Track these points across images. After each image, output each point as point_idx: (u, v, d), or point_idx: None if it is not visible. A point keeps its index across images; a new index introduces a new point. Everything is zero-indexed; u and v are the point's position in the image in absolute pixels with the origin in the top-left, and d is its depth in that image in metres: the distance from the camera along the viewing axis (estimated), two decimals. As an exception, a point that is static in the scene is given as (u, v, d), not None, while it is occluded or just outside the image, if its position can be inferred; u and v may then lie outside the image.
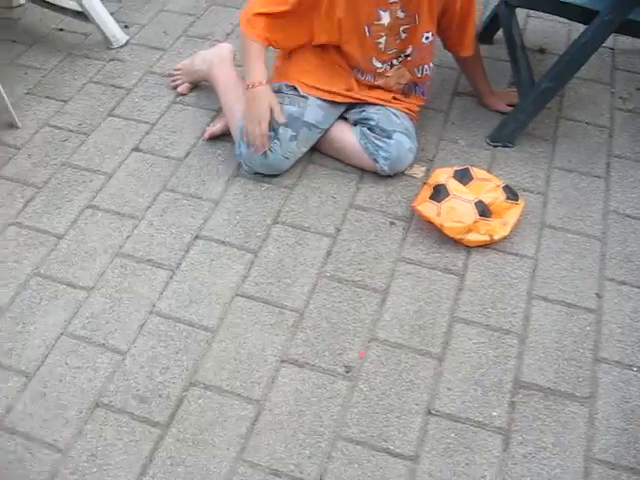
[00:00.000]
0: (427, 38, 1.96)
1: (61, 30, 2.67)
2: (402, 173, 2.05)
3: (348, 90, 2.02)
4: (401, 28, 1.92)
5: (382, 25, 1.90)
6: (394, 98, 2.05)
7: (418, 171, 2.06)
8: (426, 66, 2.04)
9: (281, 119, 1.93)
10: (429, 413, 1.55)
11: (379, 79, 2.02)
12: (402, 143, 1.96)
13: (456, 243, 1.86)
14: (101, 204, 2.00)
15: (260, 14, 1.89)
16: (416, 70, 2.03)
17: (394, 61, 1.99)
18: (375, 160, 1.97)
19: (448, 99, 2.32)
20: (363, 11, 1.87)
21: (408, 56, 1.99)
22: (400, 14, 1.88)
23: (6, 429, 1.52)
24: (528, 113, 2.09)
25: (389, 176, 2.03)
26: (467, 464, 1.47)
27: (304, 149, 2.02)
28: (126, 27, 2.64)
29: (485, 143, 2.16)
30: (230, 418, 1.54)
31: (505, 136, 2.15)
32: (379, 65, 1.98)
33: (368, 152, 1.98)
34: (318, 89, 1.99)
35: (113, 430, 1.52)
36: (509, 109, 2.19)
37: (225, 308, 1.74)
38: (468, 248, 1.86)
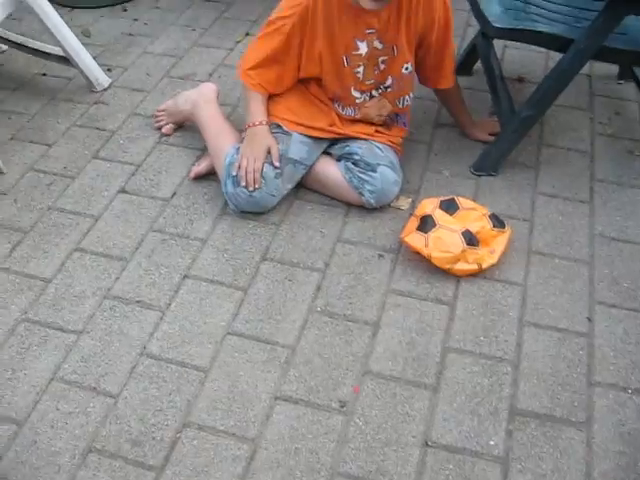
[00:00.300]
0: (407, 69, 1.99)
1: (44, 75, 2.68)
2: (388, 205, 2.06)
3: (331, 125, 2.04)
4: (380, 59, 1.95)
5: (360, 55, 1.93)
6: (377, 131, 2.07)
7: (404, 203, 2.07)
8: (407, 97, 2.06)
9: (276, 163, 1.95)
10: (426, 445, 1.54)
11: (359, 112, 2.04)
12: (387, 176, 1.97)
13: (445, 273, 1.87)
14: (89, 247, 1.99)
15: (253, 67, 1.97)
16: (397, 101, 2.05)
17: (373, 92, 2.01)
18: (361, 194, 1.99)
19: (430, 130, 2.34)
20: (341, 42, 1.90)
21: (388, 87, 2.01)
22: (378, 44, 1.91)
23: (-3, 479, 1.50)
24: (510, 142, 2.12)
25: (375, 209, 2.04)
26: (467, 495, 1.46)
27: (289, 186, 2.03)
28: (109, 70, 2.67)
29: (469, 173, 2.18)
30: (225, 458, 1.52)
31: (488, 165, 2.17)
32: (358, 95, 2.00)
33: (353, 186, 1.99)
34: (301, 125, 2.01)
35: (107, 476, 1.49)
36: (491, 138, 2.22)
37: (216, 347, 1.73)
38: (457, 278, 1.87)
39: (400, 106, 2.07)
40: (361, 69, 1.95)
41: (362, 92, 2.00)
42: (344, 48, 1.91)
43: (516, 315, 1.79)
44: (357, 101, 2.02)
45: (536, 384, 1.64)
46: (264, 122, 2.00)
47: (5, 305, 1.84)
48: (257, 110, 2.01)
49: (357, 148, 2.00)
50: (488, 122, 2.29)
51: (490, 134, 2.23)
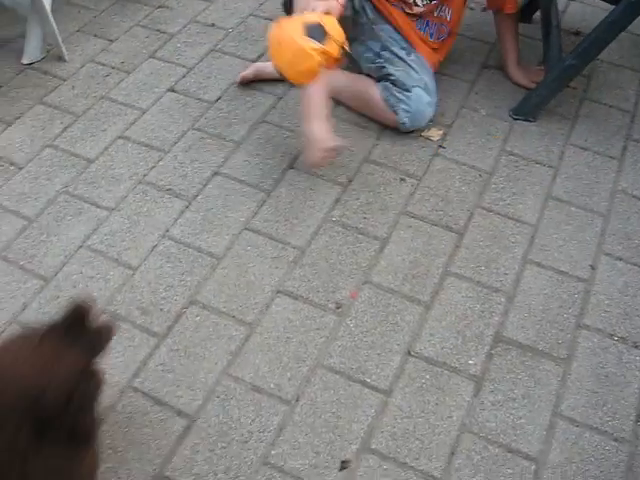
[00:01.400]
0: None
1: (117, -25, 2.80)
2: (419, 135, 2.12)
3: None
4: None
5: None
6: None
7: (435, 134, 2.13)
8: (446, 8, 2.14)
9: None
10: (408, 354, 1.63)
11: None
12: (420, 97, 2.04)
13: (461, 203, 1.94)
14: (132, 136, 2.12)
15: None
16: (437, 10, 2.14)
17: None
18: (395, 112, 2.05)
19: (475, 70, 2.37)
20: None
21: None
22: None
23: (20, 324, 1.66)
24: (551, 89, 2.14)
25: (408, 133, 2.10)
26: (437, 404, 1.55)
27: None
28: (178, -23, 2.76)
29: (506, 115, 2.21)
30: (222, 336, 1.65)
31: (527, 110, 2.19)
32: None
33: (389, 104, 2.06)
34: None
35: (115, 335, 1.64)
36: (531, 85, 2.24)
37: (232, 239, 1.85)
38: (472, 210, 1.93)
39: (436, 13, 2.14)
40: None
41: None
42: None
43: (521, 252, 1.84)
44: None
45: (526, 317, 1.71)
46: None
47: (49, 177, 2.00)
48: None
49: (394, 70, 2.06)
50: (533, 69, 2.30)
51: (533, 82, 2.25)
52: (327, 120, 1.91)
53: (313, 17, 1.70)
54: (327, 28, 1.67)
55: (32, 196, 1.95)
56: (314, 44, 1.66)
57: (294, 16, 1.76)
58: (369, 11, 2.11)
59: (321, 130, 1.89)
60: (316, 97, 1.92)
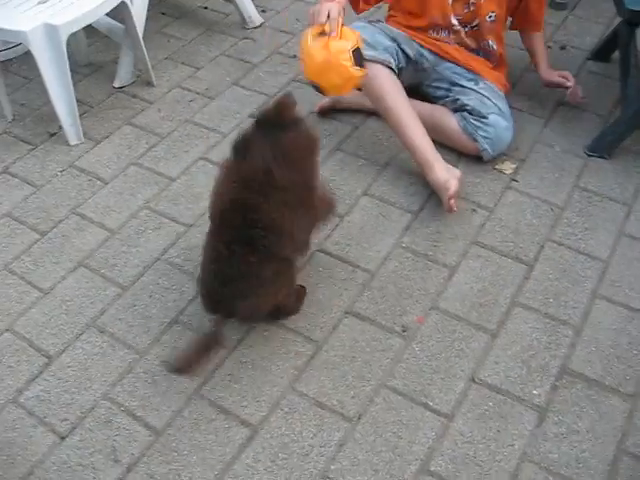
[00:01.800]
0: (490, 17, 2.12)
1: (205, 8, 2.94)
2: (492, 167, 2.14)
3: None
4: (471, 1, 2.09)
5: None
6: (488, 67, 2.22)
7: (508, 167, 2.14)
8: (489, 42, 2.19)
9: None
10: (472, 380, 1.64)
11: (454, 36, 2.18)
12: (498, 122, 2.07)
13: (532, 237, 1.94)
14: (213, 158, 2.22)
15: None
16: (481, 42, 2.20)
17: (465, 27, 2.16)
18: (475, 140, 2.09)
19: (551, 107, 2.38)
20: None
21: (475, 27, 2.15)
22: None
23: (97, 327, 1.75)
24: (627, 126, 2.14)
25: (481, 165, 2.14)
26: (499, 431, 1.55)
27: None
28: (263, 11, 2.88)
29: (580, 151, 2.21)
30: (290, 352, 1.69)
31: (603, 147, 2.19)
32: (455, 23, 2.14)
33: (468, 132, 2.10)
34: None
35: (185, 344, 1.71)
36: (562, 81, 2.27)
37: (305, 260, 1.90)
38: (542, 243, 1.93)
39: (484, 47, 2.20)
40: (451, 0, 2.11)
41: (459, 21, 2.14)
42: None
43: (590, 287, 1.83)
44: (454, 28, 2.15)
45: (593, 351, 1.70)
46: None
47: (133, 193, 2.10)
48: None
49: (467, 100, 2.10)
50: (563, 72, 2.31)
51: (561, 85, 2.29)
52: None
53: (350, 36, 1.80)
54: (362, 50, 1.81)
55: (116, 209, 2.05)
56: (360, 71, 1.78)
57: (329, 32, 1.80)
58: (428, 56, 2.19)
59: (442, 176, 1.98)
60: (423, 141, 2.03)
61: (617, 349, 1.70)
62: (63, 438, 1.55)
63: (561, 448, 1.52)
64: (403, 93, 2.08)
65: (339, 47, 1.78)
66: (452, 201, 1.94)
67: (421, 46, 2.19)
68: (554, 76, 2.31)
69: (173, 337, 1.73)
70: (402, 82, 2.10)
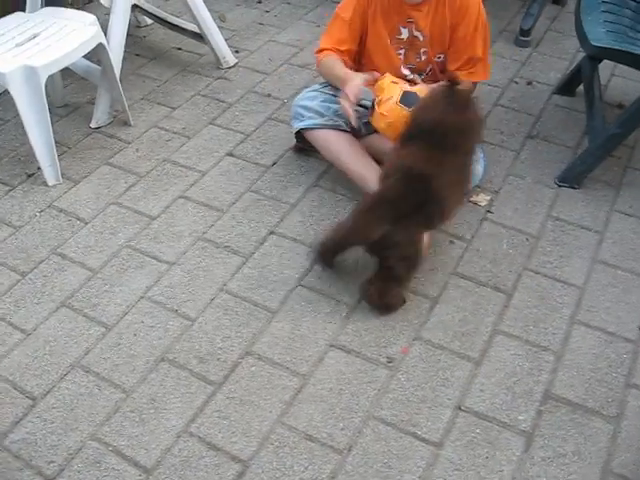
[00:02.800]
0: (439, 58, 2.19)
1: (179, 49, 2.99)
2: (468, 200, 2.19)
3: None
4: (421, 50, 2.16)
5: (402, 39, 2.15)
6: None
7: (483, 199, 2.20)
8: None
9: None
10: (459, 408, 1.66)
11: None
12: None
13: (509, 265, 1.99)
14: (192, 196, 2.23)
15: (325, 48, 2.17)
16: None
17: (417, 76, 2.21)
18: None
19: (521, 140, 2.46)
20: (389, 25, 2.13)
21: (429, 73, 2.22)
22: (418, 35, 2.13)
23: (82, 367, 1.74)
24: (595, 157, 2.21)
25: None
26: (487, 458, 1.57)
27: None
28: (236, 52, 2.94)
29: (551, 182, 2.28)
30: (277, 386, 1.70)
31: (572, 178, 2.26)
32: (407, 73, 2.20)
33: None
34: None
35: (173, 381, 1.71)
36: None
37: (287, 294, 1.91)
38: (519, 272, 1.98)
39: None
40: (402, 52, 2.17)
41: (410, 72, 2.20)
42: (390, 31, 2.14)
43: (569, 313, 1.88)
44: (407, 78, 2.20)
45: (575, 376, 1.73)
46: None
47: (113, 232, 2.11)
48: (345, 68, 2.10)
49: None
50: None
51: None
52: None
53: (391, 88, 1.97)
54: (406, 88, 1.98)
55: (97, 249, 2.05)
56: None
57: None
58: None
59: None
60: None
61: (597, 373, 1.74)
62: (51, 481, 1.53)
63: (549, 472, 1.54)
64: (357, 149, 2.16)
65: (389, 107, 1.94)
66: None
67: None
68: None
69: (160, 375, 1.72)
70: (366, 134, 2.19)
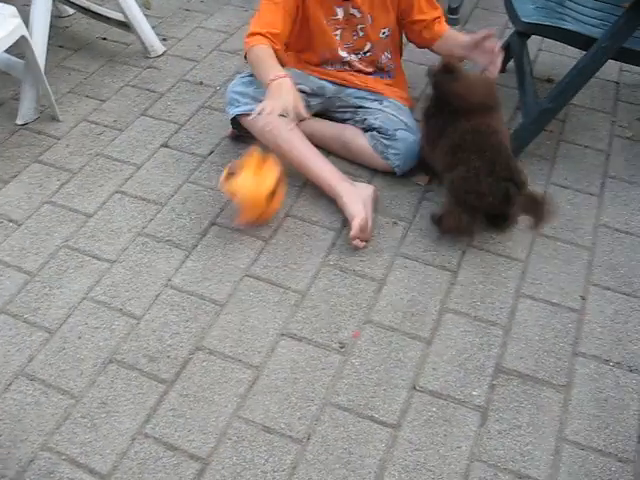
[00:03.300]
0: (384, 33, 2.20)
1: (104, 39, 2.89)
2: (408, 179, 2.20)
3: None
4: (358, 27, 2.15)
5: (337, 19, 2.14)
6: (386, 85, 2.28)
7: (422, 180, 2.21)
8: (382, 56, 2.26)
9: (305, 115, 1.97)
10: (414, 388, 1.67)
11: (349, 67, 2.25)
12: (406, 138, 2.13)
13: (452, 244, 2.01)
14: (129, 190, 2.17)
15: (256, 28, 2.08)
16: (377, 62, 2.27)
17: (354, 55, 2.22)
18: (386, 158, 2.14)
19: (457, 117, 2.48)
20: (324, 6, 2.12)
21: (367, 52, 2.22)
22: (355, 12, 2.12)
23: (27, 375, 1.68)
24: (529, 131, 2.24)
25: (397, 179, 2.19)
26: (445, 435, 1.59)
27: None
28: (164, 40, 2.86)
29: (488, 158, 2.30)
30: (230, 380, 1.68)
31: (508, 153, 2.29)
32: (345, 55, 2.21)
33: (378, 152, 2.15)
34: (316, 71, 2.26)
35: (123, 383, 1.66)
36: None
37: (234, 286, 1.89)
38: (463, 249, 2.00)
39: (380, 66, 2.28)
40: (339, 32, 2.16)
41: (348, 53, 2.20)
42: (325, 12, 2.13)
43: (513, 287, 1.91)
44: (344, 59, 2.21)
45: (523, 348, 1.77)
46: (285, 74, 1.95)
47: (49, 232, 2.03)
48: (271, 64, 1.99)
49: (374, 120, 2.17)
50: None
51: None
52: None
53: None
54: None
55: (33, 251, 1.98)
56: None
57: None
58: (328, 86, 2.25)
59: (350, 213, 2.01)
60: (327, 176, 2.11)
61: (545, 343, 1.78)
62: (2, 496, 1.47)
63: (505, 444, 1.57)
64: (297, 133, 2.11)
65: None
66: (354, 242, 1.98)
67: (319, 79, 2.23)
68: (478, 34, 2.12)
69: (109, 377, 1.67)
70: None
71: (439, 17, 2.21)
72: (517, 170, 1.91)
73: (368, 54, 2.22)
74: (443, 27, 2.23)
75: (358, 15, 2.13)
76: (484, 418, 1.62)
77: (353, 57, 2.20)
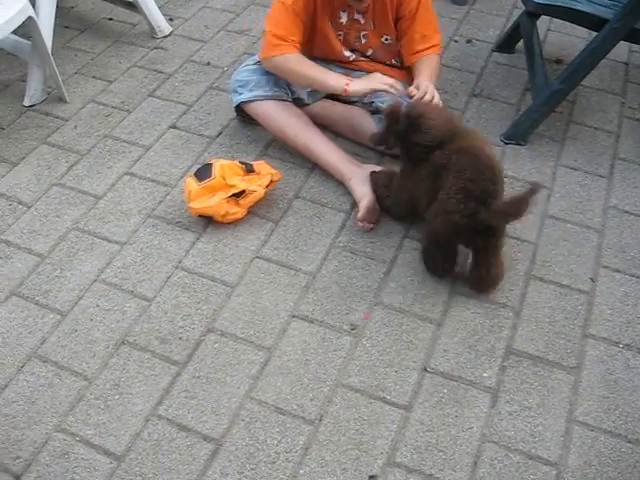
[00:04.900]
0: (386, 40, 2.17)
1: (110, 19, 2.88)
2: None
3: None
4: (361, 33, 2.15)
5: (341, 23, 2.13)
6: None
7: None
8: (393, 61, 2.25)
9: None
10: (425, 370, 1.68)
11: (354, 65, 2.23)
12: None
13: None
14: (138, 172, 2.17)
15: (280, 37, 2.04)
16: (384, 63, 2.25)
17: (356, 55, 2.21)
18: None
19: (465, 99, 2.47)
20: (330, 9, 2.10)
21: (369, 56, 2.21)
22: (360, 18, 2.11)
23: (39, 357, 1.69)
24: (540, 113, 2.24)
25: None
26: (456, 416, 1.60)
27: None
28: (171, 20, 2.85)
29: (497, 139, 2.30)
30: (242, 361, 1.68)
31: (518, 135, 2.29)
32: (348, 54, 2.20)
33: None
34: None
35: (136, 365, 1.67)
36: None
37: (245, 267, 1.89)
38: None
39: (390, 64, 2.25)
40: (342, 35, 2.16)
41: (354, 51, 2.20)
42: (330, 15, 2.11)
43: (524, 269, 1.91)
44: (349, 59, 2.20)
45: (534, 330, 1.77)
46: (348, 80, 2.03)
47: (59, 214, 2.03)
48: (329, 72, 2.06)
49: (381, 102, 2.15)
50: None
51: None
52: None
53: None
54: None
55: (43, 233, 1.98)
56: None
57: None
58: (336, 70, 2.18)
59: (357, 194, 2.02)
60: (333, 160, 2.11)
61: (555, 325, 1.78)
62: (18, 477, 1.48)
63: (516, 425, 1.58)
64: (302, 118, 2.13)
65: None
66: (360, 224, 1.98)
67: (329, 62, 2.20)
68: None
69: (121, 359, 1.68)
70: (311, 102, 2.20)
71: (431, 46, 2.15)
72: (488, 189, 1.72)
73: (371, 57, 2.21)
74: (423, 55, 2.14)
75: (362, 21, 2.11)
76: (495, 399, 1.63)
77: (359, 56, 2.20)
